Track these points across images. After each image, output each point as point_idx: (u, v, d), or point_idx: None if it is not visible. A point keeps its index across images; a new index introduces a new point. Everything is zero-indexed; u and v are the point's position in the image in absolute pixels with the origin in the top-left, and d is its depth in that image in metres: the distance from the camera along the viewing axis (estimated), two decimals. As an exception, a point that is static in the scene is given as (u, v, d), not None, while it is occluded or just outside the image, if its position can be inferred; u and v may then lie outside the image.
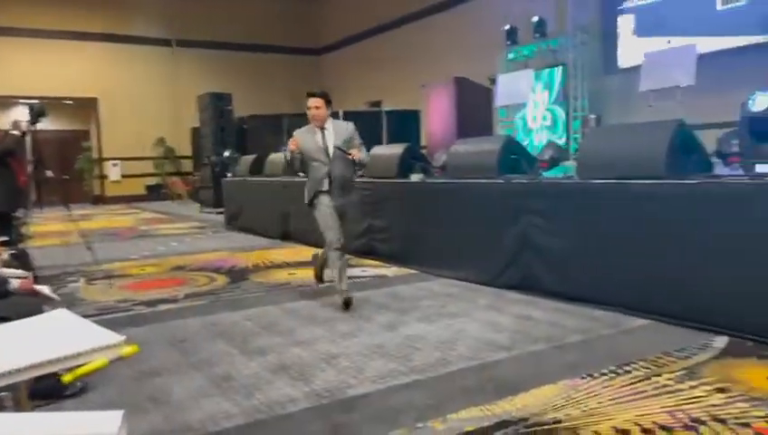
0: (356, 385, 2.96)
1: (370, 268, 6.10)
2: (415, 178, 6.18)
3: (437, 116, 10.39)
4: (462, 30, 14.83)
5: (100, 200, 19.13)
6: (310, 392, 2.89)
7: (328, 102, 4.51)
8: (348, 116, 16.27)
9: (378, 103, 16.16)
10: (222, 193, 11.43)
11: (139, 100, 18.97)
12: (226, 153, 13.03)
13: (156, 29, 19.35)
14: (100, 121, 18.91)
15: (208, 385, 3.03)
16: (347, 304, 4.45)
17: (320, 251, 4.98)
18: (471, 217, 5.26)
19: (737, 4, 9.69)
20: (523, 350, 3.41)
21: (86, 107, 19.06)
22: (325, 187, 4.50)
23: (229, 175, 11.44)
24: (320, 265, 5.06)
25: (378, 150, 7.36)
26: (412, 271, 5.81)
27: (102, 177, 19.32)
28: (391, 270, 5.96)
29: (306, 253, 7.23)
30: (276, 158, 9.83)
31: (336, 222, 4.49)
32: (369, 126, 15.17)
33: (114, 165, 19.21)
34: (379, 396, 2.82)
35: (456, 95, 9.88)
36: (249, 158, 10.83)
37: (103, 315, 4.47)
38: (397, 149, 6.68)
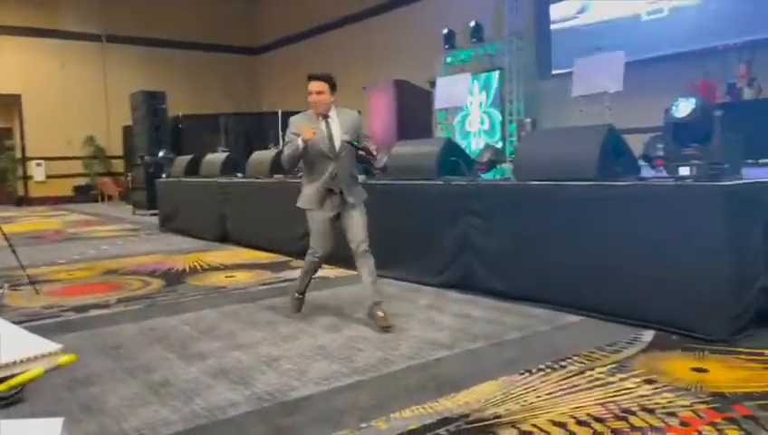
0: (298, 387, 2.94)
1: (311, 270, 6.05)
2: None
3: (378, 118, 10.45)
4: (402, 33, 14.98)
5: (24, 202, 18.21)
6: (251, 396, 2.85)
7: (332, 87, 3.86)
8: (287, 116, 16.26)
9: (318, 105, 16.06)
10: (156, 194, 11.09)
11: (67, 97, 18.17)
12: (161, 153, 12.64)
13: (85, 24, 18.59)
14: (24, 119, 17.99)
15: (145, 392, 2.94)
16: (385, 327, 3.80)
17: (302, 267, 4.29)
18: (411, 218, 5.31)
19: (661, 15, 10.22)
20: (464, 348, 3.47)
21: (9, 104, 18.09)
22: (329, 186, 3.88)
23: (164, 175, 11.11)
24: (301, 281, 4.33)
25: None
26: (354, 272, 5.79)
27: (26, 177, 18.38)
28: (333, 271, 5.94)
29: (245, 255, 7.13)
30: (214, 158, 9.64)
31: (328, 232, 3.99)
32: (308, 127, 15.12)
33: (38, 165, 18.30)
34: (322, 398, 2.82)
35: (396, 97, 9.97)
36: (185, 158, 10.56)
37: (30, 322, 4.25)
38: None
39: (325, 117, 3.86)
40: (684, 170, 3.62)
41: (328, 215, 3.94)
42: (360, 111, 4.01)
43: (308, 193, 3.97)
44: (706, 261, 3.41)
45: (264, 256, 6.96)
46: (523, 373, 3.01)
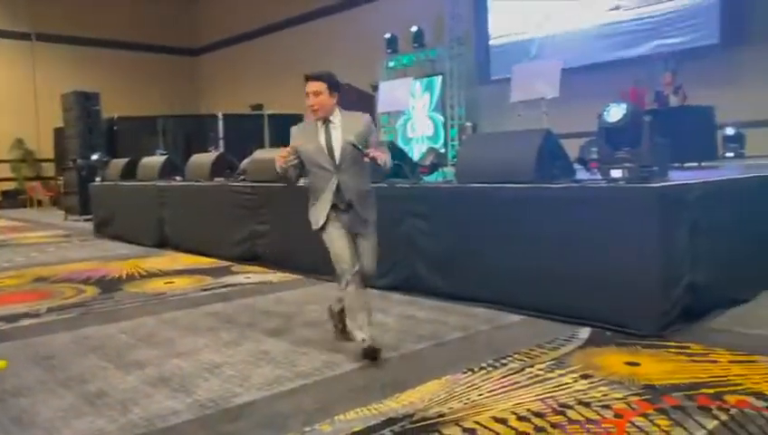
0: (242, 393, 2.89)
1: (255, 274, 5.97)
2: (299, 181, 6.13)
3: (321, 121, 10.41)
4: (345, 36, 15.00)
5: (-56, 208, 17.14)
6: (193, 403, 2.78)
7: (333, 87, 3.31)
8: (228, 119, 15.99)
9: (260, 107, 15.89)
10: (90, 199, 10.67)
11: (-8, 97, 17.26)
12: (95, 156, 12.17)
13: (12, 21, 17.73)
14: (-56, 120, 16.98)
15: (80, 403, 2.83)
16: (372, 356, 3.27)
17: (333, 302, 3.71)
18: (355, 221, 5.31)
19: (593, 24, 10.63)
20: (408, 349, 3.50)
21: (-73, 104, 17.04)
22: (333, 202, 3.34)
23: (98, 179, 10.71)
24: (338, 319, 3.65)
25: (261, 154, 7.25)
26: (298, 276, 5.77)
27: (-53, 181, 17.35)
28: (276, 276, 5.88)
29: (184, 260, 6.96)
30: (152, 161, 9.38)
31: (350, 247, 3.36)
32: (250, 130, 14.93)
33: (-40, 168, 17.31)
34: (265, 403, 2.78)
35: (339, 100, 9.96)
36: (121, 161, 10.22)
37: (-49, 334, 4.01)
38: (275, 153, 6.60)
39: (326, 122, 3.34)
40: (616, 173, 3.77)
41: (343, 229, 3.37)
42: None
43: (313, 212, 3.43)
44: (637, 260, 3.57)
45: (204, 262, 6.82)
46: (465, 372, 3.06)
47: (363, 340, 3.28)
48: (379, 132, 12.90)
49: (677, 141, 5.46)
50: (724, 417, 2.46)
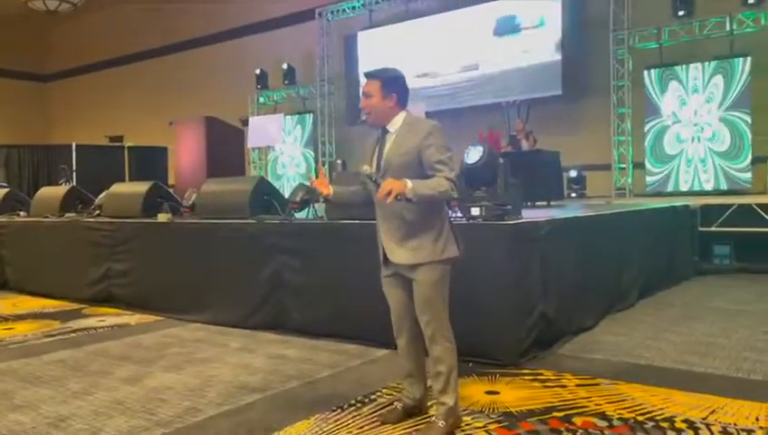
0: (91, 448, 2.65)
1: (110, 317, 5.54)
2: (162, 217, 5.86)
3: (187, 154, 10.03)
4: (214, 69, 14.71)
5: None
6: (32, 464, 2.50)
7: (389, 87, 2.66)
8: (82, 150, 14.88)
9: (119, 138, 15.02)
10: None
11: None
12: None
13: None
14: None
15: None
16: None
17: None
18: (222, 259, 5.15)
19: (457, 75, 11.36)
20: (277, 389, 3.42)
21: None
22: (380, 237, 2.75)
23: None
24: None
25: (119, 188, 6.84)
26: (159, 317, 5.44)
27: None
28: (134, 318, 5.50)
29: (28, 304, 6.30)
30: (-10, 194, 8.46)
31: (398, 298, 2.77)
32: (108, 162, 14.02)
33: None
34: (119, 457, 2.57)
35: (206, 134, 9.67)
36: (-48, 194, 9.12)
37: None
38: (141, 187, 6.28)
39: (385, 132, 2.72)
40: (475, 210, 4.00)
41: (387, 272, 2.79)
42: (434, 125, 2.65)
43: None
44: (494, 292, 3.79)
45: (51, 304, 6.22)
46: (335, 410, 3.04)
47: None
48: (249, 168, 12.66)
49: (529, 182, 5.93)
50: (572, 438, 2.65)
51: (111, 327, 5.17)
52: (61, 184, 9.62)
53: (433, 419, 2.71)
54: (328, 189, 2.81)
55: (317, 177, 2.86)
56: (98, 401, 3.27)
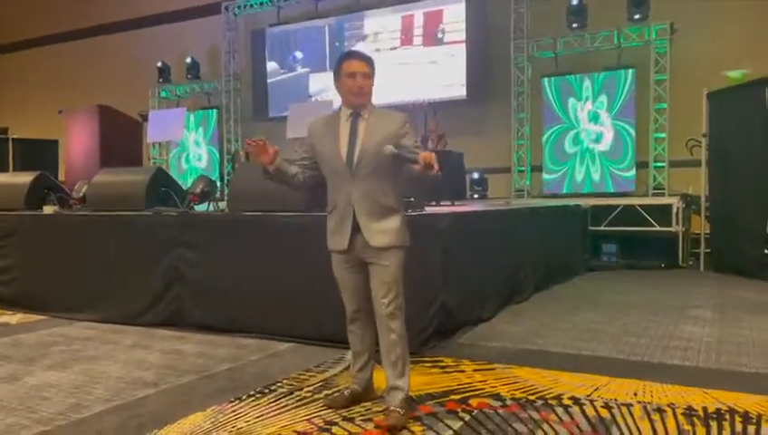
0: (-42, 450, 2.42)
1: (-14, 317, 5.11)
2: (48, 210, 5.47)
3: (78, 145, 9.39)
4: (112, 60, 13.96)
5: None
6: None
7: (373, 72, 2.74)
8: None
9: (4, 130, 13.92)
10: None
11: None
12: None
13: None
14: None
15: None
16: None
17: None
18: (114, 253, 4.88)
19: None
20: (172, 384, 3.28)
21: None
22: (348, 217, 2.67)
23: None
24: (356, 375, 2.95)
25: (1, 179, 6.33)
26: (43, 317, 5.08)
27: None
28: (15, 317, 5.11)
29: None
30: None
31: (355, 279, 2.76)
32: (-10, 155, 12.92)
33: None
34: (-10, 457, 2.37)
35: (99, 125, 9.10)
36: None
37: None
38: (25, 178, 5.86)
39: (356, 115, 2.70)
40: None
41: (347, 258, 2.75)
42: (405, 115, 2.75)
43: (328, 229, 2.79)
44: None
45: None
46: (232, 401, 2.96)
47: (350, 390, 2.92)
48: (149, 163, 12.10)
49: (435, 182, 6.04)
50: (467, 417, 2.73)
51: None
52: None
53: (391, 408, 2.67)
54: (270, 158, 2.69)
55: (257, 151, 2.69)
56: (-32, 401, 3.01)
